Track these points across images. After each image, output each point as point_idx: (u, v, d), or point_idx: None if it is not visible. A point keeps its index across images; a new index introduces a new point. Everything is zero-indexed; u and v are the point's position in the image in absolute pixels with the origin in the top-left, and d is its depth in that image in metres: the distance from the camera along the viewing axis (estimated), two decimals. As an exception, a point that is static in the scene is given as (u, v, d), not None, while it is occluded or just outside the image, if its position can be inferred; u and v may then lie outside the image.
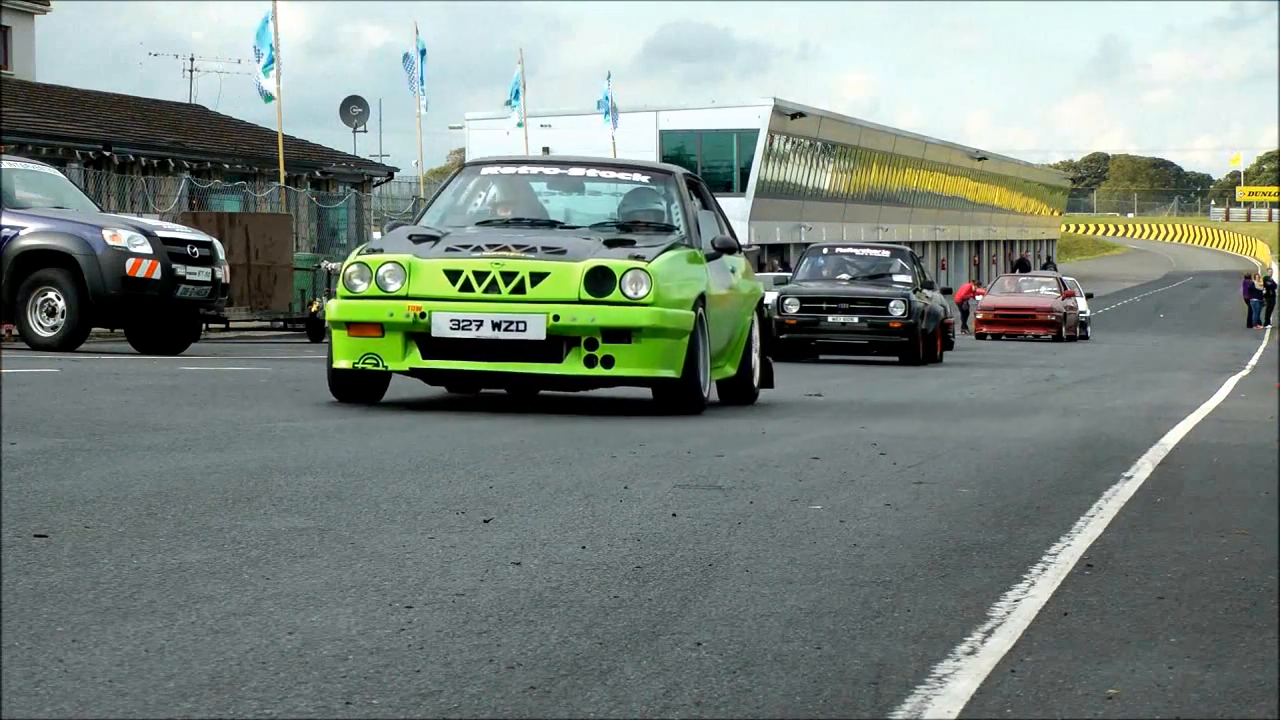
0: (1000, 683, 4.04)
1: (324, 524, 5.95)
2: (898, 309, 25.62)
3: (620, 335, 11.20)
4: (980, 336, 44.80)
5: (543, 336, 11.17)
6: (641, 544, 5.83)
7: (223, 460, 7.86)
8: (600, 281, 11.24)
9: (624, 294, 11.21)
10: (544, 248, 11.51)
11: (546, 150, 56.88)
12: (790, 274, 29.70)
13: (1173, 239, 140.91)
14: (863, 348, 26.04)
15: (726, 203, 57.64)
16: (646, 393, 12.27)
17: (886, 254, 27.98)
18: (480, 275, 11.28)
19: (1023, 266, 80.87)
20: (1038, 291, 47.05)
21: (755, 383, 13.58)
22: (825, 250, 28.76)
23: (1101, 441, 11.34)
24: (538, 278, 11.29)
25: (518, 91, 45.92)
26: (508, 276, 11.28)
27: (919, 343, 25.65)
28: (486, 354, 11.27)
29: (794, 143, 68.19)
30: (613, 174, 13.36)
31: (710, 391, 12.47)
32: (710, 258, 12.56)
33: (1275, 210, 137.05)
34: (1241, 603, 5.25)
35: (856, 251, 28.27)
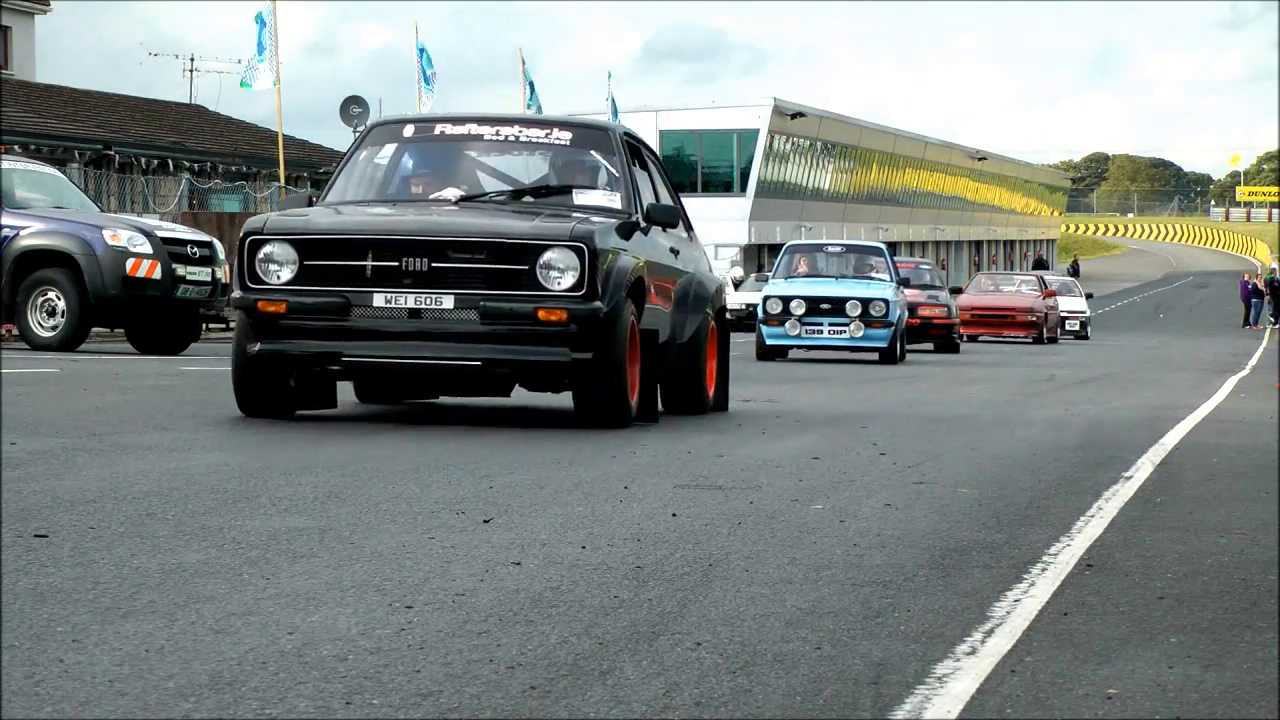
0: (1000, 683, 4.04)
1: (324, 524, 5.95)
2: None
3: None
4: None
5: None
6: (641, 544, 5.82)
7: (223, 460, 7.86)
8: None
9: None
10: None
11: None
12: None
13: (1173, 239, 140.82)
14: None
15: (727, 203, 57.57)
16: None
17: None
18: None
19: (1040, 266, 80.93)
20: (1017, 290, 44.44)
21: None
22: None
23: (1101, 441, 11.33)
24: None
25: (531, 88, 45.86)
26: None
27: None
28: None
29: (794, 143, 68.13)
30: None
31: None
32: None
33: (1275, 210, 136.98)
34: (1241, 603, 5.25)
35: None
